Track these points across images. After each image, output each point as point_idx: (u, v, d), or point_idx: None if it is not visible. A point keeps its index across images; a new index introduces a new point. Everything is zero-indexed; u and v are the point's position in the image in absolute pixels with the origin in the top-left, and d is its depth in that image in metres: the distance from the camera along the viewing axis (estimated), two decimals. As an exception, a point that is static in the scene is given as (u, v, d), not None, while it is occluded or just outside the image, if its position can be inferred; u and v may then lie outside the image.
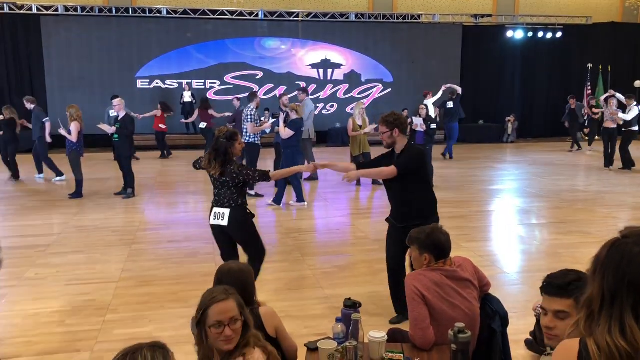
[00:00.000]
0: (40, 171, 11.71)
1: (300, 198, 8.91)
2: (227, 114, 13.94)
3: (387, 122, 4.41)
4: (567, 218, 8.11)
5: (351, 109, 17.73)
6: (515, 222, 8.06)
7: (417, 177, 4.42)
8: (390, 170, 4.34)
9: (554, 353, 1.71)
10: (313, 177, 11.16)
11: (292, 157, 8.74)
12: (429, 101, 14.26)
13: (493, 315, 3.00)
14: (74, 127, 9.38)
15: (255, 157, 9.53)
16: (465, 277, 2.94)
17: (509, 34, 18.62)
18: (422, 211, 4.43)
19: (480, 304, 3.01)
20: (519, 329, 4.19)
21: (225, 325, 2.17)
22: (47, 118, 11.41)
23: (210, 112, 14.30)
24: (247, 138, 9.33)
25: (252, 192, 9.62)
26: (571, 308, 2.10)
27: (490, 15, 18.78)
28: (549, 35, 18.58)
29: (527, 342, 3.97)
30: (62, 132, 9.59)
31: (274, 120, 10.74)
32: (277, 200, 8.90)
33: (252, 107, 9.42)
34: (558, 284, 2.11)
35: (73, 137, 9.38)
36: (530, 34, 18.61)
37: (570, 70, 19.27)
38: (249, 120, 9.27)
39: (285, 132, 8.74)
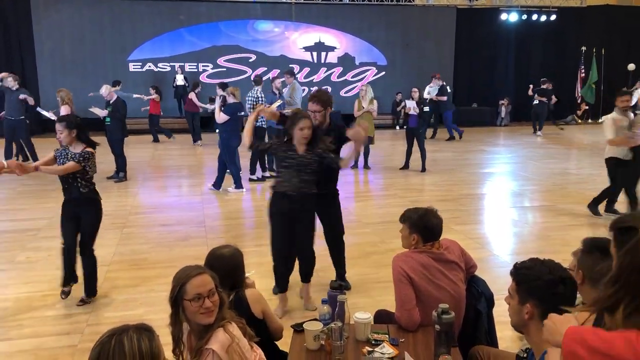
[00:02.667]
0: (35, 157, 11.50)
1: (238, 185, 8.79)
2: (209, 106, 13.74)
3: None
4: (558, 201, 8.15)
5: (345, 92, 17.78)
6: (507, 205, 8.09)
7: None
8: None
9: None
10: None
11: (228, 140, 8.67)
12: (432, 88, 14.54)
13: (479, 296, 3.02)
14: (64, 111, 9.31)
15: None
16: (452, 260, 2.96)
17: (503, 16, 18.54)
18: None
19: (466, 286, 3.04)
20: (506, 311, 4.22)
21: (204, 297, 2.23)
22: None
23: (190, 96, 14.10)
24: (261, 122, 9.39)
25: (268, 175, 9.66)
26: (513, 290, 2.20)
27: (484, -2, 18.70)
28: (543, 17, 18.52)
29: (514, 323, 4.01)
30: (50, 115, 9.52)
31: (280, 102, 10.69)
32: (217, 184, 8.86)
33: (258, 89, 9.50)
34: (513, 267, 2.26)
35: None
36: (524, 17, 18.54)
37: (564, 54, 19.22)
38: (260, 102, 9.38)
39: (220, 117, 8.57)
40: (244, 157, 9.61)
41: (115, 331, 1.75)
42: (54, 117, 9.48)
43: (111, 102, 9.50)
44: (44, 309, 4.55)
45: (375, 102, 10.45)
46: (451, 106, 15.25)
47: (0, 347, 3.93)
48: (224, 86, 9.85)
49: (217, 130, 14.05)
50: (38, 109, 10.38)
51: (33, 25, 15.57)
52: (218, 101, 8.99)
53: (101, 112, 9.84)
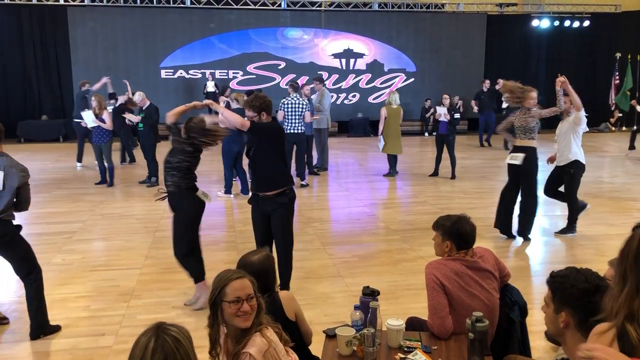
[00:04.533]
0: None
1: (227, 190, 8.87)
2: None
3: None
4: (591, 209, 7.98)
5: (373, 99, 17.76)
6: (538, 214, 7.94)
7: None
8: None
9: (590, 333, 1.78)
10: (323, 167, 11.14)
11: (229, 145, 8.67)
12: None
13: (512, 305, 2.99)
14: (107, 115, 9.50)
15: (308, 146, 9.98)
16: (486, 268, 2.93)
17: (535, 22, 18.30)
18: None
19: (499, 294, 3.01)
20: (539, 320, 4.15)
21: (243, 301, 2.26)
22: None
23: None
24: (300, 128, 9.47)
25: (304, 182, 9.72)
26: (548, 299, 2.18)
27: (515, 4, 18.49)
28: (576, 24, 18.21)
29: (547, 333, 3.95)
30: (96, 122, 9.54)
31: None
32: (244, 190, 8.90)
33: (296, 95, 9.59)
34: (549, 275, 2.24)
35: (109, 125, 9.49)
36: (556, 23, 18.28)
37: (597, 60, 18.89)
38: (308, 109, 9.58)
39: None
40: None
41: (155, 331, 1.76)
42: (97, 123, 9.55)
43: (144, 108, 9.68)
44: (78, 309, 4.66)
45: (383, 108, 10.41)
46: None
47: (38, 346, 4.03)
48: (251, 94, 9.98)
49: None
50: (82, 113, 10.38)
51: (69, 33, 15.97)
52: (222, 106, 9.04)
53: (134, 118, 10.02)
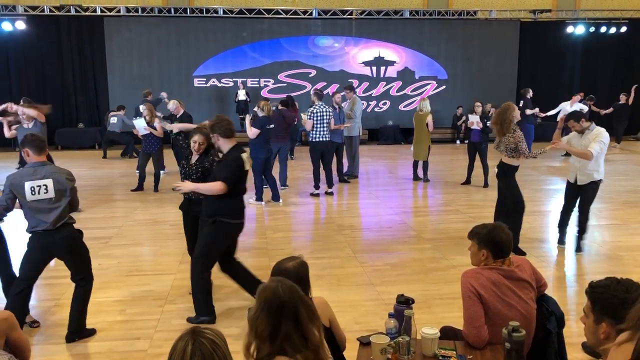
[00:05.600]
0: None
1: (259, 197, 8.91)
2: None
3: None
4: (630, 219, 7.82)
5: (404, 107, 17.69)
6: (573, 223, 7.80)
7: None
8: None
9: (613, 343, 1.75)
10: (354, 175, 11.11)
11: (255, 153, 8.61)
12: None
13: (549, 315, 2.95)
14: (158, 123, 9.69)
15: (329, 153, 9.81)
16: (523, 278, 2.90)
17: (569, 29, 17.98)
18: None
19: (536, 305, 2.97)
20: (576, 332, 4.10)
21: None
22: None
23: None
24: (327, 136, 9.46)
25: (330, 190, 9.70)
26: (588, 310, 2.14)
27: (549, 11, 18.22)
28: (613, 30, 17.83)
29: (584, 345, 3.88)
30: (148, 129, 9.65)
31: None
32: (275, 197, 9.00)
33: (322, 103, 9.59)
34: (588, 285, 2.21)
35: (160, 133, 9.67)
36: (592, 29, 17.92)
37: (635, 67, 18.44)
38: (332, 117, 9.59)
39: (251, 131, 8.61)
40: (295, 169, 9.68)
41: (192, 335, 1.81)
42: (149, 131, 9.68)
43: (178, 116, 9.84)
44: (114, 313, 4.75)
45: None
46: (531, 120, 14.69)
47: (76, 349, 4.13)
48: (285, 103, 10.07)
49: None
50: (134, 121, 10.47)
51: (105, 43, 16.36)
52: (248, 117, 9.04)
53: (169, 126, 10.18)
